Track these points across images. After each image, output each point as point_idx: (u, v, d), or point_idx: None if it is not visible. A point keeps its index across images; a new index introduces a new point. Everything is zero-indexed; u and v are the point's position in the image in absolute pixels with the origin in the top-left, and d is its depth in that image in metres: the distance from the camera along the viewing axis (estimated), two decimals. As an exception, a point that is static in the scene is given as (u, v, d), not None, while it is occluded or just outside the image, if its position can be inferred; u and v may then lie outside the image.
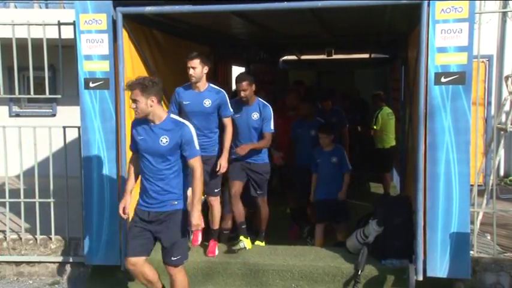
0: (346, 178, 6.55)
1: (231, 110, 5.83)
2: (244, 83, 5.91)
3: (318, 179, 6.68)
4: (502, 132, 6.13)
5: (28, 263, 6.18)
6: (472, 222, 5.40)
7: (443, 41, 4.90)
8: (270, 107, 6.11)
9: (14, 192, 6.45)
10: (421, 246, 5.10)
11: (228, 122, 5.80)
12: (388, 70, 11.63)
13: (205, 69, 5.66)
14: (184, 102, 5.73)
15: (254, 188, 6.21)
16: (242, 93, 5.92)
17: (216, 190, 5.95)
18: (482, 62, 8.06)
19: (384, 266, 5.49)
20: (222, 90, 5.84)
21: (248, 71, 5.83)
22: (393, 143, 9.01)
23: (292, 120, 7.21)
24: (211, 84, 5.80)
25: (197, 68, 5.58)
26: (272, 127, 6.06)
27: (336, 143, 6.86)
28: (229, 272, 5.67)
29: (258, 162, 6.15)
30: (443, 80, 4.93)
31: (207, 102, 5.69)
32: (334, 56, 10.60)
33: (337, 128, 7.28)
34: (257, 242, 6.24)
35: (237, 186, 6.06)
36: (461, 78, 4.91)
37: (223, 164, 5.71)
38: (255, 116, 6.02)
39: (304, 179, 6.81)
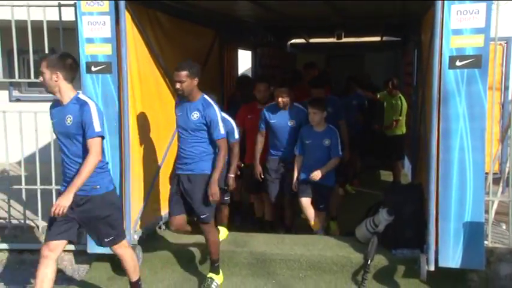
0: (333, 162, 6.16)
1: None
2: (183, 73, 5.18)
3: (303, 162, 6.30)
4: (519, 118, 6.01)
5: (30, 251, 6.18)
6: (487, 212, 5.35)
7: (459, 23, 4.81)
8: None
9: (15, 179, 6.45)
10: (433, 236, 5.05)
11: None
12: (400, 54, 11.55)
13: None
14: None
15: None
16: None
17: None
18: (500, 44, 7.92)
19: (395, 256, 5.48)
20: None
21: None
22: (404, 129, 8.95)
23: None
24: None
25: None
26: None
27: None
28: (235, 261, 5.71)
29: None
30: (458, 63, 4.85)
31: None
32: (344, 39, 10.53)
33: (332, 121, 6.69)
34: None
35: None
36: (477, 61, 4.82)
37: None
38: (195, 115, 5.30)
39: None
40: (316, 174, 5.98)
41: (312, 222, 6.22)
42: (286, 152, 6.44)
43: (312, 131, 6.23)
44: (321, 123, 6.18)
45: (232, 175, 5.92)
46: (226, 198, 6.08)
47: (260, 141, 6.58)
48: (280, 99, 6.24)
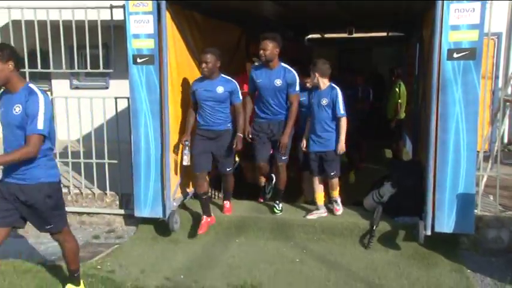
0: (344, 125, 5.49)
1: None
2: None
3: (309, 130, 5.73)
4: (508, 104, 5.99)
5: (88, 213, 6.31)
6: (477, 184, 5.35)
7: (457, 20, 4.75)
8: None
9: (75, 154, 6.56)
10: (430, 205, 5.05)
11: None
12: (403, 47, 11.40)
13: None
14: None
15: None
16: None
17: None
18: (492, 39, 7.82)
19: (397, 222, 5.48)
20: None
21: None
22: (403, 115, 8.89)
23: None
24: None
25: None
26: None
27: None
28: (259, 226, 5.72)
29: None
30: (455, 55, 4.80)
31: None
32: (355, 35, 10.42)
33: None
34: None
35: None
36: (472, 54, 4.77)
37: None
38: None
39: None
40: (342, 147, 5.49)
41: (318, 199, 5.76)
42: (273, 115, 5.74)
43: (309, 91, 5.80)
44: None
45: (240, 134, 5.60)
46: (228, 169, 5.78)
47: (249, 101, 5.86)
48: (261, 51, 5.62)
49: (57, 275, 4.71)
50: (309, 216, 5.69)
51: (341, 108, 5.44)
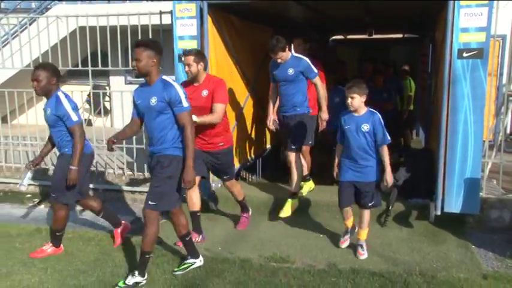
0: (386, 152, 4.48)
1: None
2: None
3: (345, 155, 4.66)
4: (511, 98, 5.92)
5: (140, 192, 6.42)
6: (483, 170, 5.33)
7: (466, 23, 4.73)
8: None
9: (128, 140, 6.68)
10: (440, 188, 5.05)
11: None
12: (417, 47, 11.26)
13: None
14: None
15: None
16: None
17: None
18: (497, 40, 7.75)
19: (410, 203, 5.48)
20: None
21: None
22: (413, 106, 8.85)
23: None
24: None
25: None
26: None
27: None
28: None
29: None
30: (464, 55, 4.78)
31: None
32: (374, 36, 10.33)
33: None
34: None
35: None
36: (479, 53, 4.74)
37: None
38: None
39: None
40: (391, 179, 4.51)
41: (349, 223, 4.82)
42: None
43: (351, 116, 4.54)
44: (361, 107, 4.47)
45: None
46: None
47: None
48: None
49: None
50: (343, 245, 4.81)
51: (387, 136, 4.46)
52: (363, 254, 4.60)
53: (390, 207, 5.35)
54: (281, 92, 5.47)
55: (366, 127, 4.46)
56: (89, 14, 6.37)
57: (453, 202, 5.01)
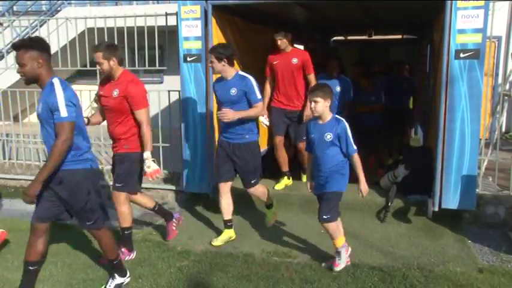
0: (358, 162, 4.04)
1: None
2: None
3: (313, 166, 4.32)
4: (506, 98, 5.93)
5: (146, 188, 6.30)
6: (479, 168, 5.31)
7: (463, 24, 4.73)
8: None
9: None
10: (438, 185, 5.05)
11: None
12: (416, 48, 11.24)
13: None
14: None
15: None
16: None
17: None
18: (493, 41, 7.77)
19: (409, 199, 5.48)
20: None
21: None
22: (411, 105, 8.76)
23: None
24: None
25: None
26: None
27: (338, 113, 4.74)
28: (290, 201, 5.77)
29: None
30: (461, 55, 4.77)
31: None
32: (374, 37, 10.31)
33: (341, 98, 6.31)
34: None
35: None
36: (476, 54, 4.73)
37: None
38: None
39: None
40: (366, 190, 4.08)
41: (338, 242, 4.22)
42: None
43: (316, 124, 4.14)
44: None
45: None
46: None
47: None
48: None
49: (121, 239, 4.90)
50: (336, 268, 4.17)
51: (354, 146, 4.02)
52: (338, 265, 4.14)
53: (389, 204, 5.35)
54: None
55: (328, 136, 4.01)
56: (97, 16, 6.38)
57: (450, 198, 5.00)
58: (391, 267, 4.19)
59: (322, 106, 4.00)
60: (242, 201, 5.79)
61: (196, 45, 5.49)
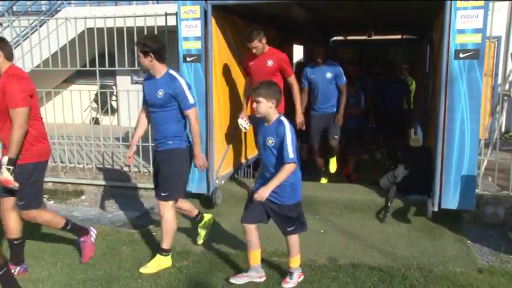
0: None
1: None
2: None
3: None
4: (506, 98, 5.93)
5: (145, 188, 6.41)
6: (479, 168, 5.31)
7: (463, 25, 4.72)
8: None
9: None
10: (438, 185, 5.04)
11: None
12: (416, 48, 11.24)
13: None
14: None
15: None
16: None
17: None
18: (493, 41, 7.77)
19: (408, 200, 5.47)
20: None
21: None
22: (412, 105, 8.74)
23: None
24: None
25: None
26: None
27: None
28: None
29: None
30: (461, 55, 4.76)
31: None
32: (373, 37, 10.32)
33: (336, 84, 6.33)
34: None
35: None
36: (476, 54, 4.72)
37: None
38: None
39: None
40: (260, 195, 3.63)
41: (252, 258, 3.96)
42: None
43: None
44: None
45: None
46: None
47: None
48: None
49: (121, 239, 4.91)
50: (284, 285, 3.90)
51: (290, 153, 3.56)
52: (287, 283, 3.88)
53: (389, 204, 5.34)
54: (151, 121, 4.35)
55: (270, 141, 3.67)
56: (97, 16, 6.38)
57: (450, 198, 5.00)
58: (390, 268, 4.18)
59: (264, 107, 3.65)
60: (241, 201, 5.80)
61: (196, 46, 5.49)
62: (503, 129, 9.04)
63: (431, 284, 3.91)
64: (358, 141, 7.40)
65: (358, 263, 4.30)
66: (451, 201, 5.00)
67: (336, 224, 5.26)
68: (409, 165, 5.58)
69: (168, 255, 4.26)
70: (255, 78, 5.42)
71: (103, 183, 6.55)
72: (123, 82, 10.85)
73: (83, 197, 6.59)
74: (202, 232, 4.74)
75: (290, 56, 9.79)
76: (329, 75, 6.19)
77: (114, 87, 11.03)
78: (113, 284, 3.98)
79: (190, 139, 4.27)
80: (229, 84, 6.23)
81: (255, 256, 3.95)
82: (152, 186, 6.21)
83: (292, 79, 5.53)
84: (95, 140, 6.97)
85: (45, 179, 6.63)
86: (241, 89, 6.55)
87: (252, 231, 3.88)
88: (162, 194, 4.18)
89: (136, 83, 10.64)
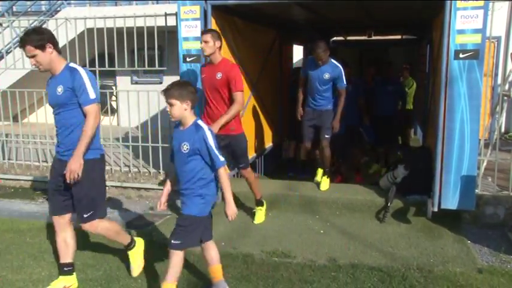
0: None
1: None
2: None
3: None
4: (506, 98, 5.94)
5: (145, 189, 6.42)
6: (478, 168, 5.31)
7: (462, 25, 4.72)
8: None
9: (135, 138, 6.71)
10: (437, 185, 5.04)
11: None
12: (416, 48, 11.25)
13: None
14: None
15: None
16: None
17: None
18: (492, 42, 7.78)
19: (408, 200, 5.47)
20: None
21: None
22: (412, 106, 8.71)
23: None
24: None
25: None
26: None
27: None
28: (289, 201, 5.76)
29: None
30: (461, 55, 4.77)
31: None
32: (373, 37, 10.32)
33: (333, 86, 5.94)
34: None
35: None
36: (475, 54, 4.73)
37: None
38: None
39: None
40: (233, 213, 3.46)
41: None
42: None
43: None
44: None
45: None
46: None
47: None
48: None
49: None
50: None
51: (218, 155, 3.32)
52: None
53: (389, 204, 5.34)
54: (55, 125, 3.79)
55: (185, 147, 3.33)
56: (97, 16, 6.39)
57: (450, 199, 5.00)
58: (390, 268, 4.18)
59: (179, 110, 3.32)
60: (241, 201, 5.80)
61: (196, 46, 5.49)
62: (503, 130, 9.06)
63: (431, 284, 3.91)
64: (345, 150, 7.14)
65: (358, 263, 4.29)
66: (450, 201, 5.00)
67: (336, 224, 5.25)
68: (409, 166, 5.58)
69: (132, 248, 4.04)
70: (207, 91, 4.96)
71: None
72: (122, 82, 10.85)
73: (83, 197, 6.58)
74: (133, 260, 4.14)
75: (290, 56, 9.81)
76: (327, 76, 5.75)
77: (113, 87, 11.04)
78: (112, 284, 3.97)
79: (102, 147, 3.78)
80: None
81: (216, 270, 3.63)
82: (152, 186, 6.31)
83: (238, 95, 4.79)
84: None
85: (44, 180, 6.70)
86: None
87: (206, 249, 3.59)
88: (85, 216, 3.65)
89: (136, 83, 10.68)
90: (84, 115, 3.54)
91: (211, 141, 3.31)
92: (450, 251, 4.55)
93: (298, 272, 4.15)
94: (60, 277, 3.84)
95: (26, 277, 4.10)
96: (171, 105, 3.33)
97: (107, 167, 6.74)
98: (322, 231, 5.10)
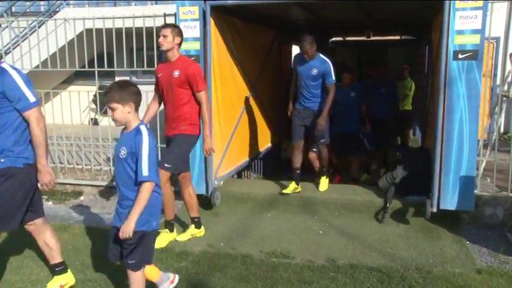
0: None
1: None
2: None
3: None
4: (505, 98, 5.94)
5: None
6: (477, 168, 5.33)
7: (461, 25, 4.73)
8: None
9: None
10: (436, 186, 5.04)
11: None
12: (414, 48, 11.27)
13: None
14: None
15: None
16: None
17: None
18: (491, 42, 7.79)
19: (407, 200, 5.48)
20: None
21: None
22: (411, 107, 8.67)
23: None
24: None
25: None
26: None
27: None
28: (288, 202, 5.77)
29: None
30: (460, 56, 4.77)
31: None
32: (372, 38, 10.33)
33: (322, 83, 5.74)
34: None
35: None
36: (474, 55, 4.73)
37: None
38: None
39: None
40: (127, 231, 2.98)
41: None
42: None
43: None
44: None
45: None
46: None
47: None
48: None
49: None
50: None
51: (144, 170, 2.95)
52: None
53: (388, 205, 5.34)
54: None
55: (122, 152, 3.05)
56: (96, 17, 6.38)
57: (449, 199, 5.00)
58: (389, 268, 4.18)
59: (121, 113, 3.06)
60: (241, 202, 5.81)
61: (195, 46, 5.49)
62: (502, 130, 9.07)
63: (430, 284, 3.91)
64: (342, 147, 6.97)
65: (357, 263, 4.30)
66: (449, 202, 5.00)
67: (335, 224, 5.25)
68: (408, 166, 5.59)
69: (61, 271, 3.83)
70: (163, 91, 4.60)
71: (102, 183, 6.55)
72: (122, 83, 10.86)
73: (82, 198, 6.58)
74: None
75: (289, 56, 9.81)
76: (315, 71, 5.57)
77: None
78: (112, 285, 3.97)
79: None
80: (227, 84, 6.23)
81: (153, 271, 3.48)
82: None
83: (202, 95, 4.49)
84: (94, 141, 6.97)
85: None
86: (240, 90, 6.57)
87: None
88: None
89: (136, 83, 10.64)
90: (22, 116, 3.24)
91: (145, 150, 2.95)
92: (449, 252, 4.56)
93: (297, 272, 4.15)
94: (55, 277, 3.83)
95: (25, 277, 4.09)
96: (112, 109, 3.04)
97: (107, 167, 6.74)
98: (321, 232, 5.10)
